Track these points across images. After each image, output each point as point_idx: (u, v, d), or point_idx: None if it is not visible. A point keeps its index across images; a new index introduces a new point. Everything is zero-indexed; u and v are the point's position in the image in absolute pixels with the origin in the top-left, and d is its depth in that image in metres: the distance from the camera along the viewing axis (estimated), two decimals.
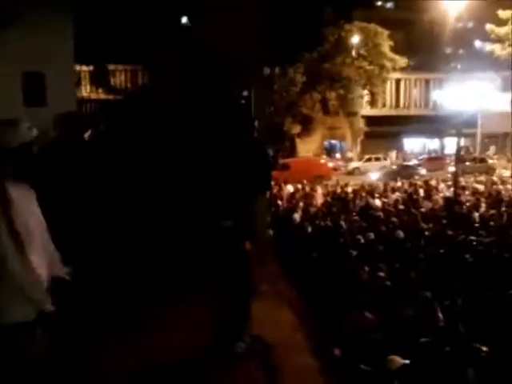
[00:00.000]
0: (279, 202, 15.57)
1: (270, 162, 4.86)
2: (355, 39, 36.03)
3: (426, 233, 10.80)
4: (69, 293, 2.92)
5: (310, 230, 11.34)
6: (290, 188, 20.02)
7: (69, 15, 6.35)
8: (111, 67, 23.60)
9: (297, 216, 13.11)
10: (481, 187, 19.28)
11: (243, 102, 6.14)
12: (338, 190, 19.36)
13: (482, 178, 24.34)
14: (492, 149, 38.25)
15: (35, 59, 5.03)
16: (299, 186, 20.48)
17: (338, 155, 40.18)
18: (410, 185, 19.91)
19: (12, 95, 5.34)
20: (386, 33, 35.98)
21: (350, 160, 38.58)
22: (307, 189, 19.69)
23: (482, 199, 15.71)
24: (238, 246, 4.09)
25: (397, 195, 17.16)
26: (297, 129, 35.54)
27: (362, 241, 9.91)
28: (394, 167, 33.25)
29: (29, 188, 2.69)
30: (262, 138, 5.08)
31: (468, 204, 15.03)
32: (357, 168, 35.54)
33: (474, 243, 9.24)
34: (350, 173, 34.55)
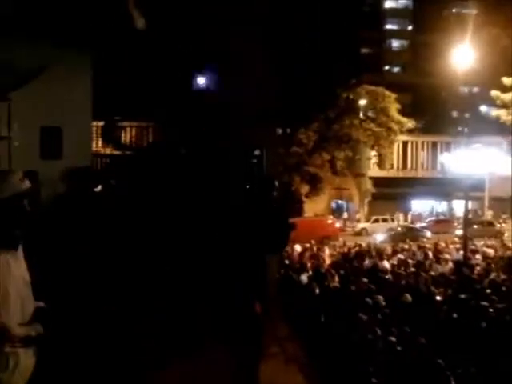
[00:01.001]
0: (287, 262, 15.47)
1: (289, 222, 4.89)
2: (363, 102, 36.82)
3: (437, 297, 10.64)
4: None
5: (317, 291, 11.22)
6: (297, 248, 19.92)
7: (88, 71, 6.53)
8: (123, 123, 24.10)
9: (304, 277, 13.00)
10: (491, 251, 19.11)
11: (255, 161, 6.24)
12: (346, 251, 19.23)
13: (492, 241, 24.16)
14: (490, 213, 38.01)
15: (54, 114, 5.18)
16: (308, 246, 20.37)
17: (345, 215, 40.27)
18: (419, 247, 19.79)
19: (30, 148, 5.45)
20: (393, 96, 36.76)
21: (358, 221, 38.63)
22: (315, 249, 19.55)
23: (493, 264, 15.54)
24: (249, 306, 4.02)
25: (403, 256, 17.01)
26: (305, 188, 35.75)
27: (371, 304, 9.75)
28: (400, 229, 33.21)
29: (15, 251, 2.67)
30: (278, 198, 5.11)
31: (478, 268, 14.85)
32: (364, 229, 35.58)
33: (491, 310, 9.05)
34: (358, 233, 34.52)
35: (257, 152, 6.43)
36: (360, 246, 20.44)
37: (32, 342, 2.67)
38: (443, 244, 20.98)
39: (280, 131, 32.71)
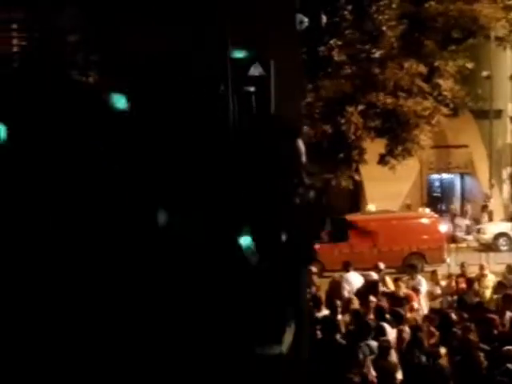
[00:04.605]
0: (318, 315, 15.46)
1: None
2: None
3: None
4: None
5: None
6: (354, 279, 19.90)
7: None
8: None
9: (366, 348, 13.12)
10: None
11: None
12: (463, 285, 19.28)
13: None
14: None
15: None
16: (375, 275, 20.31)
17: (456, 207, 40.58)
18: None
19: None
20: None
21: (488, 216, 39.20)
22: (388, 282, 19.78)
23: None
24: None
25: None
26: (374, 146, 34.57)
27: None
28: None
29: None
30: None
31: None
32: (503, 235, 36.19)
33: None
34: (489, 246, 35.23)
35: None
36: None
37: None
38: None
39: (306, 22, 32.29)
